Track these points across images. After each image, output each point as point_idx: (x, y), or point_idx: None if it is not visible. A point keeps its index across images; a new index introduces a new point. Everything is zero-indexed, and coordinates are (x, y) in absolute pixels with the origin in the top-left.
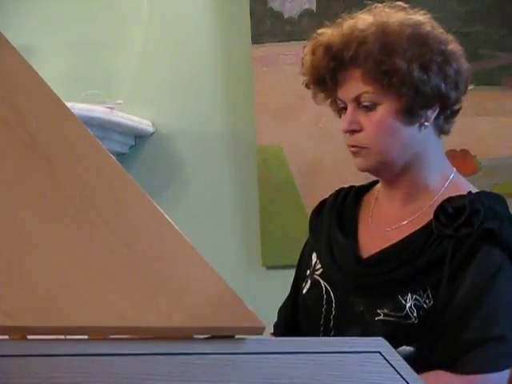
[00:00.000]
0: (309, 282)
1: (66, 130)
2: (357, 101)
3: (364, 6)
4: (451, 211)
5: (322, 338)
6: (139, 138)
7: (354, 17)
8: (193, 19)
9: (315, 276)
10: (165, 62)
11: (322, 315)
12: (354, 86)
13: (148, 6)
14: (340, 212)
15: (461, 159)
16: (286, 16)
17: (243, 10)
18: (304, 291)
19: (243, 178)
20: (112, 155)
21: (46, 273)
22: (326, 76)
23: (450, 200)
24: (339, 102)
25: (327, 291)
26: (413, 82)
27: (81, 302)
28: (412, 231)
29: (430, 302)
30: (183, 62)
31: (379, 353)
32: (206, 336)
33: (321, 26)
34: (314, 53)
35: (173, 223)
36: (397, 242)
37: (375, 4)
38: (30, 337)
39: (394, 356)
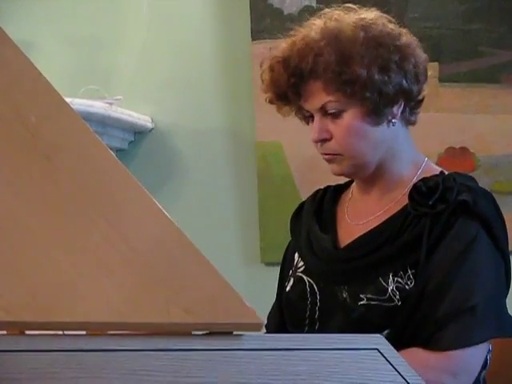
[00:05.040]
0: (291, 279)
1: (66, 125)
2: (322, 110)
3: (363, 2)
4: (425, 190)
5: (320, 334)
6: (138, 133)
7: (306, 25)
8: (193, 15)
9: (298, 273)
10: (164, 58)
11: (308, 308)
12: (317, 97)
13: (148, 2)
14: (318, 210)
15: (460, 157)
16: (285, 12)
17: (243, 7)
18: (288, 289)
19: (242, 174)
20: (111, 151)
21: (44, 268)
22: (288, 91)
23: (423, 180)
24: (305, 111)
25: (310, 285)
26: (375, 85)
27: (79, 298)
28: (387, 217)
29: (411, 282)
30: (183, 58)
31: (377, 350)
32: (205, 332)
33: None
34: (272, 69)
35: (171, 219)
36: (373, 228)
37: (325, 10)
38: (28, 332)
39: (392, 353)
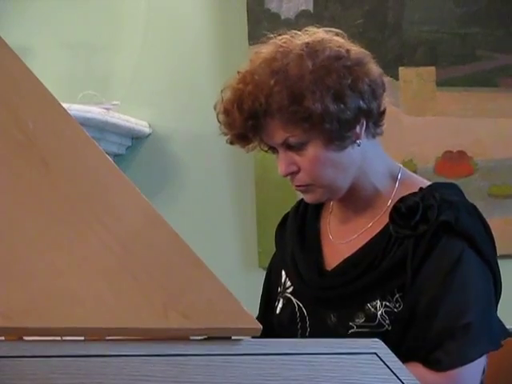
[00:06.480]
0: (281, 300)
1: (63, 130)
2: (285, 144)
3: (360, 6)
4: (405, 211)
5: (319, 339)
6: (136, 139)
7: (254, 55)
8: (190, 20)
9: (286, 294)
10: (162, 63)
11: (298, 332)
12: (277, 135)
13: (145, 7)
14: (301, 227)
15: (457, 160)
16: (282, 17)
17: (240, 11)
18: (277, 311)
19: (240, 178)
20: (108, 156)
21: (42, 274)
22: (247, 133)
23: (402, 200)
24: (268, 145)
25: (299, 308)
26: (332, 116)
27: (77, 303)
28: (370, 237)
29: (399, 305)
30: (180, 63)
31: (375, 354)
32: (203, 337)
33: (317, 27)
34: (227, 113)
35: (169, 224)
36: (357, 250)
37: (271, 36)
38: (26, 338)
39: (390, 357)
